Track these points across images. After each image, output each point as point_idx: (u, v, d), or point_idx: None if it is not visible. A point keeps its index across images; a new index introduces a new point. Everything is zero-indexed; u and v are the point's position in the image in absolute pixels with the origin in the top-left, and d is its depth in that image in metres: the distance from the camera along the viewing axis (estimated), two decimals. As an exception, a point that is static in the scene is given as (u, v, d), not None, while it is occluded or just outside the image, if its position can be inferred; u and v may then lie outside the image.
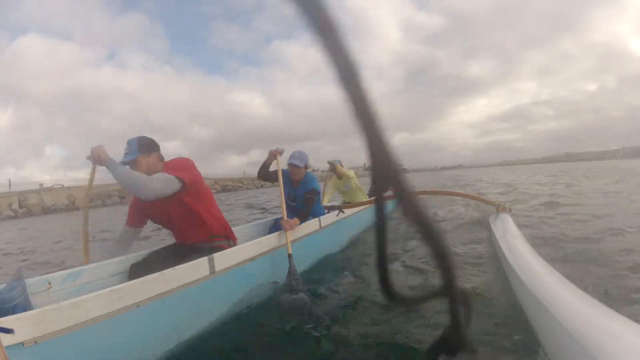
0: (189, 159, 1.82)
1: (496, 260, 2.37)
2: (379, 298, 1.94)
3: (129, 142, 1.73)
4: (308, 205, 2.51)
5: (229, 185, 33.90)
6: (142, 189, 1.53)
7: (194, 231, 1.84)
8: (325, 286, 2.16)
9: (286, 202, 2.51)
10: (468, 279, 2.12)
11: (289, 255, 2.06)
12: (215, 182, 33.86)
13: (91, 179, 1.77)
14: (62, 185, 23.76)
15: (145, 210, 1.89)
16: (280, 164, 2.48)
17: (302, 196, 2.65)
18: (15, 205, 19.01)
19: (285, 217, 2.28)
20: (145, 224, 1.99)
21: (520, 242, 2.16)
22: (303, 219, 2.41)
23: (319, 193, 2.68)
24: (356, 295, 2.01)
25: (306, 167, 2.69)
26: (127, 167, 1.62)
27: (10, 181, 23.45)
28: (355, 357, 1.37)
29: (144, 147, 1.73)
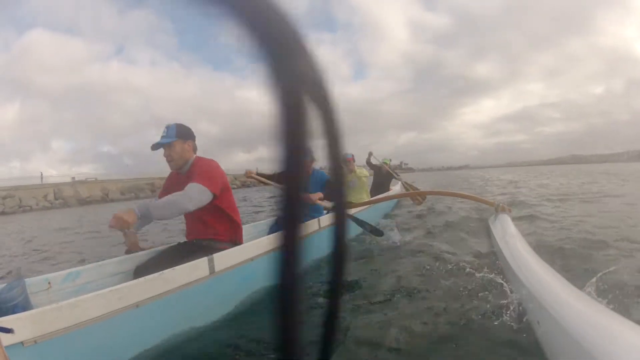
0: (216, 162, 1.87)
1: (495, 260, 2.37)
2: (378, 298, 1.94)
3: (167, 127, 1.80)
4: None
5: (248, 182, 34.52)
6: (181, 210, 1.61)
7: (212, 227, 1.86)
8: (325, 286, 2.16)
9: None
10: (467, 280, 2.12)
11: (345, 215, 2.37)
12: (235, 178, 34.71)
13: (130, 242, 1.83)
14: (96, 178, 25.32)
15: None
16: (257, 177, 2.88)
17: (314, 183, 2.87)
18: (51, 197, 19.99)
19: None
20: None
21: (519, 242, 2.16)
22: (326, 198, 2.71)
23: None
24: (356, 295, 2.01)
25: (312, 160, 2.79)
26: (153, 203, 1.61)
27: (42, 174, 24.55)
28: (355, 356, 1.37)
29: (182, 133, 1.81)
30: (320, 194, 2.74)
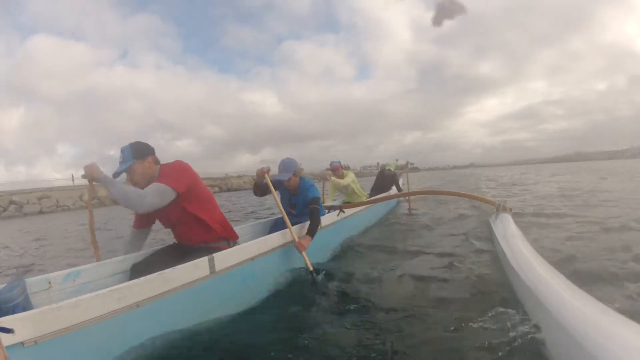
0: (183, 162, 1.81)
1: (497, 259, 2.37)
2: (379, 298, 1.94)
3: (122, 150, 1.73)
4: (315, 218, 2.47)
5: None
6: (136, 205, 1.56)
7: (194, 234, 1.85)
8: (326, 286, 2.16)
9: (286, 210, 2.52)
10: (469, 279, 2.12)
11: (311, 273, 2.17)
12: (254, 179, 35.71)
13: (90, 195, 1.81)
14: (126, 180, 26.39)
15: (148, 213, 1.89)
16: (269, 181, 2.51)
17: (302, 204, 2.64)
18: (86, 197, 20.58)
19: (296, 239, 2.28)
20: (153, 222, 2.00)
21: (520, 241, 2.16)
22: (313, 233, 2.39)
23: (319, 199, 2.64)
24: (356, 295, 2.00)
25: (295, 174, 2.63)
26: (121, 182, 1.62)
27: (73, 176, 25.98)
28: (355, 356, 1.37)
29: (138, 152, 1.73)
30: (309, 238, 2.34)
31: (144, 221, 1.97)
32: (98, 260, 1.79)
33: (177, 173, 1.72)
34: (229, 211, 8.54)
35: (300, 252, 2.24)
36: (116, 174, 1.72)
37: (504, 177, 17.10)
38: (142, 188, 1.74)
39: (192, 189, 1.76)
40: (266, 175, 2.50)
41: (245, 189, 25.70)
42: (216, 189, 28.81)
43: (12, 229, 10.37)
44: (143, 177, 1.73)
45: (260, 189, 2.64)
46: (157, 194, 1.61)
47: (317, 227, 2.45)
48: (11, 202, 17.99)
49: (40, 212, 17.93)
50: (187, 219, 1.80)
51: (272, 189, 2.50)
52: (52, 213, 17.62)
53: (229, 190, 28.30)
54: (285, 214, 2.39)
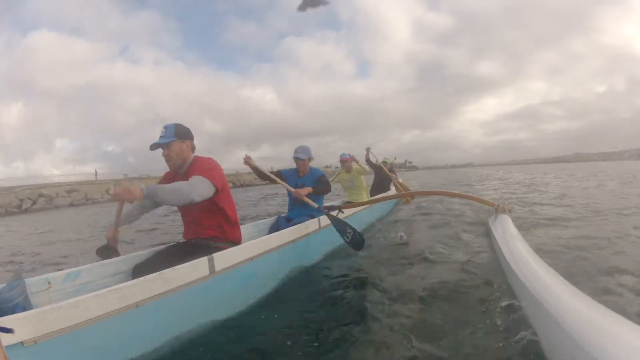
0: (215, 160, 1.87)
1: (496, 261, 2.37)
2: (377, 298, 1.94)
3: (166, 127, 1.82)
4: (325, 184, 2.84)
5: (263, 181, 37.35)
6: (188, 196, 1.58)
7: (211, 226, 1.87)
8: (326, 286, 2.16)
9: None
10: (468, 280, 2.12)
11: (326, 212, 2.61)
12: (255, 178, 36.96)
13: (118, 216, 1.82)
14: (149, 175, 27.95)
15: None
16: (255, 165, 2.83)
17: (310, 181, 2.92)
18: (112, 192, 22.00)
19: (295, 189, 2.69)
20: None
21: (519, 242, 2.16)
22: (316, 192, 2.74)
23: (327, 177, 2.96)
24: (356, 295, 2.01)
25: (309, 159, 2.97)
26: (164, 185, 1.58)
27: (96, 171, 27.57)
28: (354, 355, 1.37)
29: (180, 133, 1.82)
30: (309, 189, 2.71)
31: None
32: (118, 254, 1.84)
33: (215, 171, 1.78)
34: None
35: (299, 196, 2.64)
36: (154, 146, 1.79)
37: (488, 177, 19.37)
38: (175, 167, 1.85)
39: (224, 187, 1.84)
40: (250, 162, 2.80)
41: (257, 185, 25.96)
42: (230, 184, 28.73)
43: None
44: (178, 156, 1.81)
45: (260, 175, 2.94)
46: (205, 185, 1.67)
47: (323, 189, 2.83)
48: (40, 195, 18.16)
49: (71, 205, 18.27)
50: (210, 209, 1.83)
51: (263, 171, 2.85)
52: (82, 206, 17.88)
53: (242, 185, 28.78)
54: (288, 186, 2.76)
